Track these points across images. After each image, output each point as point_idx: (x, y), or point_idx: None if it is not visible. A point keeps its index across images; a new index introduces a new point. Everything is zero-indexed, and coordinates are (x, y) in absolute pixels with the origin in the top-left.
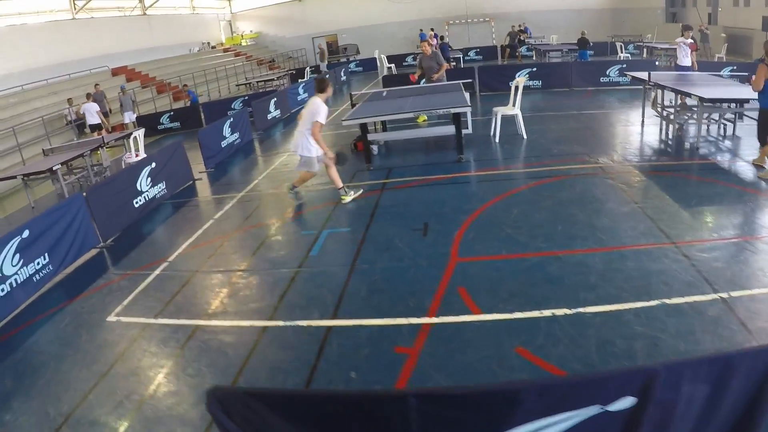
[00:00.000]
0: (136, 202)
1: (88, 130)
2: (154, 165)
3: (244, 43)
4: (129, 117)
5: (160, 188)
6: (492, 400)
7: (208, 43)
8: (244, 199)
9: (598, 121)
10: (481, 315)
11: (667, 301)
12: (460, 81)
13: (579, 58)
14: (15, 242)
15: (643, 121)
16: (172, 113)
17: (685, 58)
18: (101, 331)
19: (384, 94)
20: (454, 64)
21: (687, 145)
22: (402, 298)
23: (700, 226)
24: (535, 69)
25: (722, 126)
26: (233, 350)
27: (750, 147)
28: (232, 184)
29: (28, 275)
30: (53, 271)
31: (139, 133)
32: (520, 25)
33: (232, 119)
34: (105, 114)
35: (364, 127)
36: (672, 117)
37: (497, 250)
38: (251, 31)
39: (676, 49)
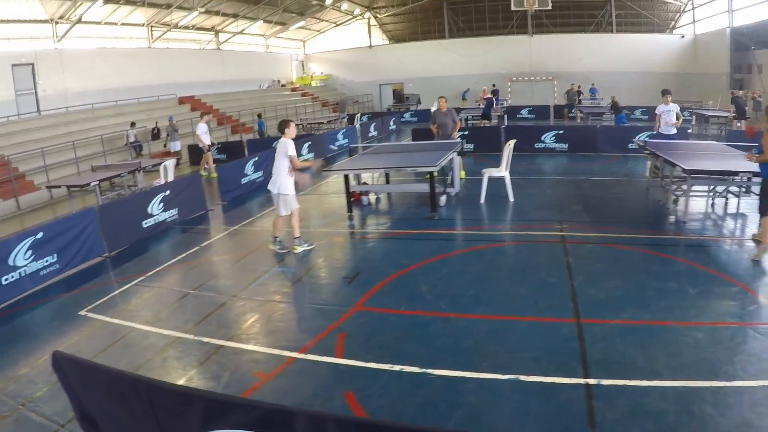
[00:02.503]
0: (145, 223)
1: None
2: (168, 192)
3: (313, 84)
4: (174, 146)
5: (171, 213)
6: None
7: (278, 80)
8: (235, 233)
9: (601, 188)
10: (339, 359)
11: (522, 377)
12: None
13: (616, 122)
14: (29, 241)
15: (647, 190)
16: (219, 146)
17: (671, 128)
18: (69, 320)
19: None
20: (495, 121)
21: (672, 218)
22: (290, 332)
23: (616, 306)
24: (561, 132)
25: (726, 200)
26: (141, 350)
27: (750, 223)
28: (237, 218)
29: (36, 269)
30: (59, 269)
31: (169, 163)
32: (579, 86)
33: (257, 158)
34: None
35: (347, 179)
36: (666, 188)
37: (398, 305)
38: (321, 73)
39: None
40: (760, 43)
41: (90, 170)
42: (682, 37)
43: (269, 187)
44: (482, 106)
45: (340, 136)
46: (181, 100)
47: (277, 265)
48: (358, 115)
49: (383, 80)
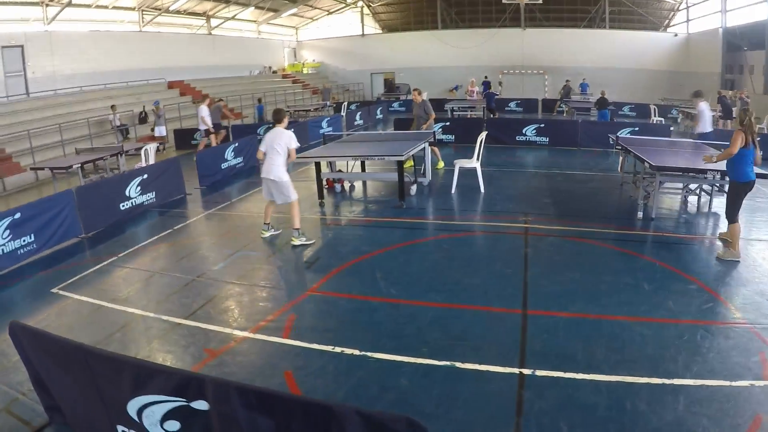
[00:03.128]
0: (123, 206)
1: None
2: (146, 176)
3: (305, 71)
4: (159, 131)
5: (149, 197)
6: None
7: (270, 67)
8: (209, 216)
9: (575, 182)
10: (285, 339)
11: (458, 364)
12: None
13: (599, 118)
14: (6, 221)
15: (621, 186)
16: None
17: (708, 125)
18: (41, 298)
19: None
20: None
21: (640, 214)
22: (244, 312)
23: (567, 299)
24: (543, 125)
25: (699, 198)
26: (105, 326)
27: (721, 222)
28: (213, 202)
29: (13, 248)
30: (36, 249)
31: (150, 147)
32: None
33: (237, 144)
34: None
35: (318, 166)
36: (636, 184)
37: (350, 290)
38: (314, 60)
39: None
40: (752, 44)
41: (74, 153)
42: (675, 35)
43: (263, 174)
44: (470, 98)
45: (324, 124)
46: (170, 85)
47: (242, 248)
48: (345, 103)
49: (375, 69)
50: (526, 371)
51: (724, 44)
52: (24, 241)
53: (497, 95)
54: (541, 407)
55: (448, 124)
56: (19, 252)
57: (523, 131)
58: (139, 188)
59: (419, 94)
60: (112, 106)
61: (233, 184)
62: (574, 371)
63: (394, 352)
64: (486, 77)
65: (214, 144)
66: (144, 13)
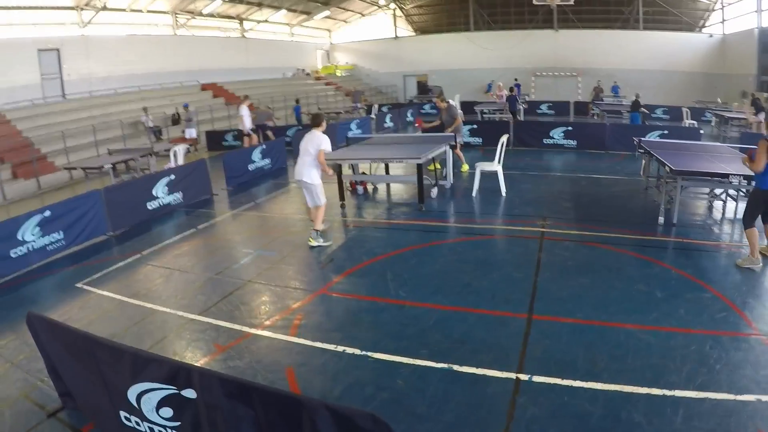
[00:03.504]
0: (150, 205)
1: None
2: (173, 177)
3: (338, 74)
4: (190, 133)
5: (175, 197)
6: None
7: (303, 69)
8: (233, 217)
9: (599, 186)
10: (291, 337)
11: (455, 367)
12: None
13: (631, 121)
14: (36, 219)
15: (646, 190)
16: (236, 132)
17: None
18: (66, 291)
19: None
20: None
21: (662, 219)
22: (255, 310)
23: (574, 304)
24: (570, 128)
25: (725, 204)
26: (124, 320)
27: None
28: (238, 203)
29: (43, 244)
30: (65, 245)
31: (179, 148)
32: (599, 81)
33: (264, 146)
34: (262, 127)
35: (339, 168)
36: (659, 188)
37: (359, 291)
38: (347, 63)
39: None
40: None
41: (107, 153)
42: (710, 36)
43: (295, 176)
44: (498, 102)
45: (353, 126)
46: (203, 87)
47: (261, 248)
48: (375, 105)
49: (408, 71)
50: (523, 377)
51: (760, 45)
52: (53, 237)
53: (520, 99)
54: (534, 413)
55: (475, 127)
56: (48, 248)
57: (551, 134)
58: (166, 188)
59: (442, 100)
60: (144, 108)
61: (260, 186)
62: (572, 378)
63: (394, 352)
64: (516, 80)
65: (246, 145)
66: (178, 16)
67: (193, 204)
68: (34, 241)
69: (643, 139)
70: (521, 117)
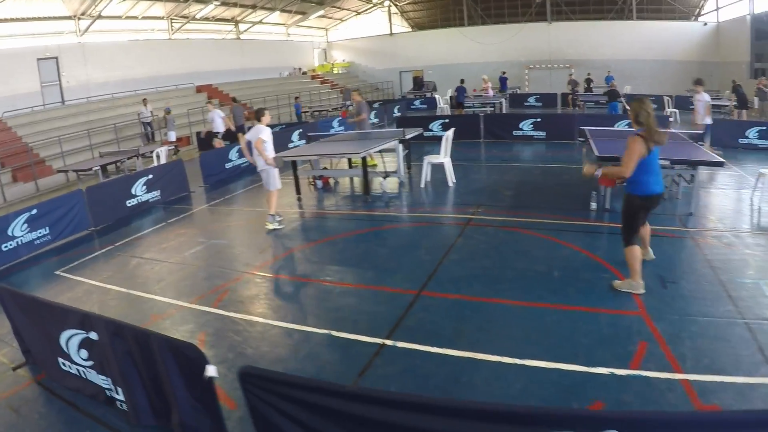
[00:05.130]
0: (129, 202)
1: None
2: (150, 176)
3: (336, 71)
4: (170, 136)
5: (154, 194)
6: None
7: (299, 68)
8: (203, 211)
9: (548, 175)
10: (213, 309)
11: (334, 332)
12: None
13: (609, 110)
14: (24, 216)
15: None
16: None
17: (707, 117)
18: (47, 278)
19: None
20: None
21: (594, 205)
22: (191, 288)
23: (467, 283)
24: (539, 120)
25: (676, 187)
26: (90, 299)
27: (676, 209)
28: (210, 199)
29: (30, 239)
30: (51, 239)
31: (162, 150)
32: (571, 74)
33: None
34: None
35: (294, 164)
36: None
37: (281, 272)
38: (344, 60)
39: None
40: None
41: (99, 156)
42: (705, 24)
43: (259, 167)
44: (484, 95)
45: (335, 123)
46: (199, 89)
47: (217, 237)
48: (351, 102)
49: (403, 67)
50: (389, 342)
51: (752, 32)
52: (40, 233)
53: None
54: (384, 372)
55: (447, 121)
56: (35, 242)
57: (520, 126)
58: (144, 187)
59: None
60: (144, 100)
61: (237, 182)
62: (431, 345)
63: (291, 321)
64: (503, 72)
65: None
66: (173, 21)
67: (171, 201)
68: (22, 237)
69: (583, 127)
70: (504, 110)
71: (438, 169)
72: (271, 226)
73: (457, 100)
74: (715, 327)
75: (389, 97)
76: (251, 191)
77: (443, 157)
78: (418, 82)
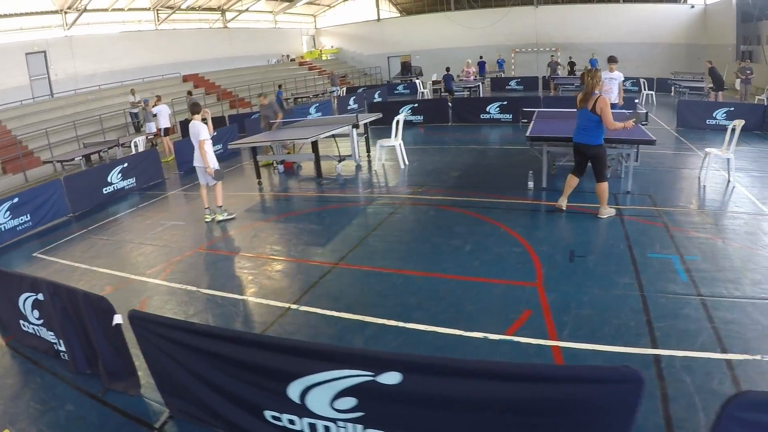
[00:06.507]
0: (105, 190)
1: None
2: (125, 165)
3: (324, 58)
4: (149, 128)
5: (129, 182)
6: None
7: (287, 55)
8: (172, 196)
9: (500, 157)
10: (159, 281)
11: (250, 299)
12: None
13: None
14: (7, 204)
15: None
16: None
17: (610, 94)
18: (26, 260)
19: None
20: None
21: (531, 184)
22: (144, 264)
23: (382, 256)
24: (506, 103)
25: (619, 166)
26: (62, 276)
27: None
28: (181, 185)
29: (13, 225)
30: (32, 225)
31: (140, 139)
32: (552, 57)
33: (215, 133)
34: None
35: (253, 150)
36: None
37: (223, 249)
38: (332, 47)
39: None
40: (765, 14)
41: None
42: (692, 7)
43: (194, 163)
44: (466, 79)
45: (312, 110)
46: (185, 78)
47: (176, 220)
48: (343, 88)
49: (391, 53)
50: (294, 306)
51: (738, 14)
52: (22, 219)
53: (482, 75)
54: (282, 330)
55: (416, 105)
56: (18, 228)
57: (487, 109)
58: (120, 175)
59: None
60: (132, 90)
61: None
62: (329, 309)
63: (218, 289)
64: (481, 57)
65: (166, 147)
66: (159, 12)
67: (145, 187)
68: (5, 223)
69: (525, 108)
70: (481, 94)
71: (394, 151)
72: (220, 217)
73: (446, 87)
74: (608, 299)
75: (378, 83)
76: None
77: (394, 140)
78: (406, 67)
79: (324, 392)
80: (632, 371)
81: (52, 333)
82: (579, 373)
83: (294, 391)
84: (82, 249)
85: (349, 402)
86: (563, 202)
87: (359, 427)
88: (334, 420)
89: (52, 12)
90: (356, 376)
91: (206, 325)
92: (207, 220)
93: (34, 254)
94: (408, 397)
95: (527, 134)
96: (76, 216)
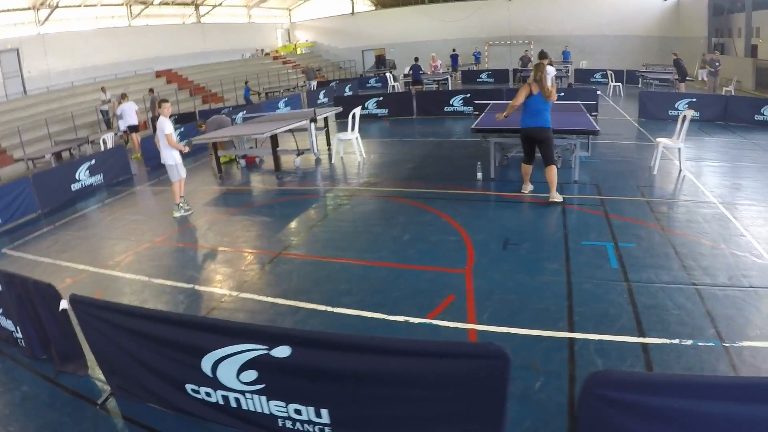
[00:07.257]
0: (73, 186)
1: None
2: (93, 162)
3: (299, 52)
4: (122, 125)
5: (97, 178)
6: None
7: (262, 50)
8: (137, 191)
9: (457, 149)
10: (118, 273)
11: (196, 287)
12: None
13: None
14: None
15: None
16: (177, 117)
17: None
18: None
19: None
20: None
21: (479, 175)
22: (106, 256)
23: (321, 245)
24: (469, 95)
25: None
26: (29, 270)
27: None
28: (147, 180)
29: None
30: (2, 223)
31: (108, 136)
32: (526, 51)
33: (183, 129)
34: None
35: (215, 146)
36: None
37: (180, 241)
38: (307, 41)
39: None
40: (736, 7)
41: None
42: (665, 0)
43: (162, 161)
44: (432, 72)
45: (281, 104)
46: (158, 74)
47: (136, 214)
48: (314, 82)
49: (366, 46)
50: (234, 293)
51: (710, 7)
52: None
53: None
54: (219, 315)
55: (381, 99)
56: None
57: (451, 102)
58: (87, 171)
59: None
60: (102, 88)
61: None
62: (265, 296)
63: (166, 278)
64: (454, 50)
65: (136, 144)
66: (131, 7)
67: (114, 183)
68: None
69: (477, 101)
70: (450, 86)
71: (366, 145)
72: (177, 214)
73: (414, 78)
74: (533, 284)
75: (352, 76)
76: (193, 170)
77: (351, 134)
78: (381, 61)
79: (230, 366)
80: (496, 347)
81: (10, 321)
82: (446, 349)
83: (206, 365)
84: (48, 244)
85: (252, 375)
86: (528, 188)
87: (263, 398)
88: (243, 392)
89: (24, 9)
90: (253, 350)
91: (131, 306)
92: (175, 215)
93: (3, 250)
94: (298, 370)
95: (472, 126)
96: (44, 213)
